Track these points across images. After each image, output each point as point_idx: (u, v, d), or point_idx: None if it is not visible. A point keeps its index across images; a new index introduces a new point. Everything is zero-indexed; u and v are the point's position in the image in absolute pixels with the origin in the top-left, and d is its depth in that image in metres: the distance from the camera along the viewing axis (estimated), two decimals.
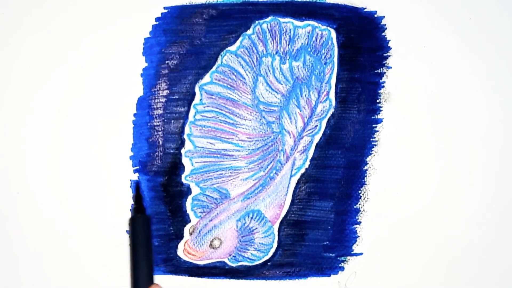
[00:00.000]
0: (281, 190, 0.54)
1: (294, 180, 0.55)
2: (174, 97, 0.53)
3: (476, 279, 0.56)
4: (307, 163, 0.54)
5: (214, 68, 0.53)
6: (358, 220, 0.55)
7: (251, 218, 0.54)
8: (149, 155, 0.54)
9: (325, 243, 0.55)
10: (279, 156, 0.54)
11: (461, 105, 0.54)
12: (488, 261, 0.56)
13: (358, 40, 0.53)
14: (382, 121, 0.54)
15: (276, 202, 0.54)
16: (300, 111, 0.54)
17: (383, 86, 0.54)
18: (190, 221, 0.54)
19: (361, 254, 0.55)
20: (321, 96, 0.54)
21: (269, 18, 0.53)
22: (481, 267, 0.56)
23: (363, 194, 0.55)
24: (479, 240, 0.56)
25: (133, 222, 0.50)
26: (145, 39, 0.52)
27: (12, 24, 0.53)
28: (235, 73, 0.53)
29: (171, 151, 0.54)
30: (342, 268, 0.55)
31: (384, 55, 0.53)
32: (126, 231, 0.54)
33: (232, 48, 0.53)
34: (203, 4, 0.52)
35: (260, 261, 0.55)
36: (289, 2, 0.53)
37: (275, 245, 0.55)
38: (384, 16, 0.53)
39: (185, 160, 0.54)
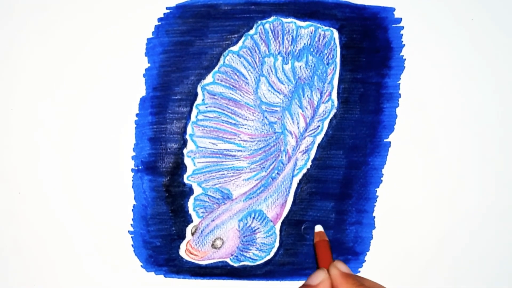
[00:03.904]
0: (283, 190, 0.54)
1: (296, 180, 0.55)
2: (177, 97, 0.53)
3: (477, 280, 0.56)
4: (309, 164, 0.54)
5: (216, 69, 0.53)
6: (359, 221, 0.55)
7: (253, 218, 0.54)
8: (151, 155, 0.54)
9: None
10: (281, 157, 0.54)
11: (464, 105, 0.54)
12: (492, 263, 0.56)
13: (360, 41, 0.53)
14: (384, 121, 0.54)
15: (278, 202, 0.55)
16: (302, 111, 0.54)
17: (386, 87, 0.54)
18: (192, 221, 0.54)
19: (362, 254, 0.55)
20: (324, 97, 0.54)
21: (272, 18, 0.53)
22: (484, 268, 0.56)
23: (364, 195, 0.55)
24: (481, 241, 0.56)
25: None
26: (147, 39, 0.52)
27: (15, 25, 0.52)
28: (237, 74, 0.53)
29: (173, 151, 0.54)
30: None
31: (387, 55, 0.53)
32: (128, 231, 0.54)
33: (235, 48, 0.53)
34: (205, 4, 0.52)
35: (262, 261, 0.55)
36: (292, 2, 0.53)
37: (276, 244, 0.55)
38: (386, 17, 0.53)
39: (187, 160, 0.54)
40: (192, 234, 0.54)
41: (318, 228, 0.50)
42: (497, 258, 0.56)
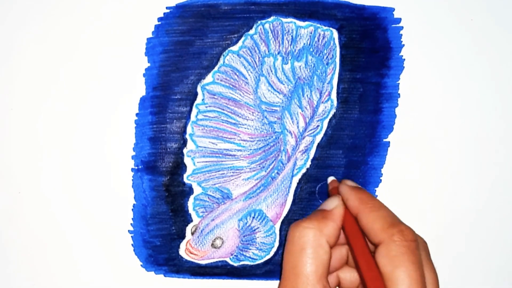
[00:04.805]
0: (283, 189, 0.55)
1: (296, 180, 0.55)
2: (176, 97, 0.53)
3: (477, 280, 0.57)
4: (309, 163, 0.55)
5: (216, 68, 0.53)
6: None
7: (253, 217, 0.55)
8: (151, 155, 0.54)
9: None
10: (281, 156, 0.54)
11: (463, 105, 0.55)
12: (491, 263, 0.56)
13: (360, 41, 0.53)
14: (383, 121, 0.54)
15: (278, 201, 0.55)
16: (302, 111, 0.54)
17: (385, 87, 0.54)
18: (192, 220, 0.55)
19: None
20: (323, 97, 0.54)
21: (272, 18, 0.53)
22: (483, 267, 0.56)
23: None
24: (480, 240, 0.56)
25: None
26: (147, 39, 0.52)
27: (14, 25, 0.52)
28: (237, 73, 0.53)
29: (173, 150, 0.54)
30: None
31: (386, 55, 0.54)
32: (128, 230, 0.54)
33: (234, 48, 0.53)
34: (205, 4, 0.52)
35: (262, 261, 0.55)
36: (292, 2, 0.53)
37: (276, 244, 0.55)
38: (386, 17, 0.53)
39: (187, 160, 0.54)
40: (192, 233, 0.54)
41: (331, 178, 0.51)
42: (496, 257, 0.56)
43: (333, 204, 0.43)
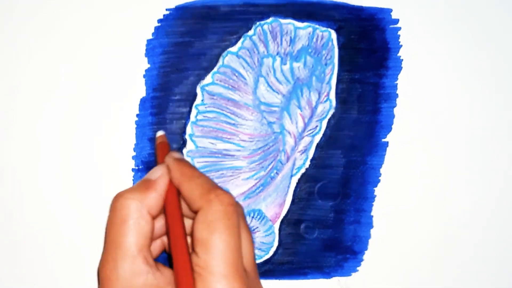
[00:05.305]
0: (282, 189, 0.55)
1: (295, 180, 0.55)
2: (176, 97, 0.53)
3: (477, 279, 0.57)
4: (308, 163, 0.55)
5: (215, 69, 0.53)
6: (357, 220, 0.55)
7: (252, 217, 0.55)
8: (151, 155, 0.54)
9: (325, 242, 0.56)
10: (280, 156, 0.55)
11: (461, 105, 0.55)
12: (491, 262, 0.57)
13: (358, 41, 0.54)
14: (382, 121, 0.54)
15: (277, 201, 0.55)
16: (301, 111, 0.54)
17: (383, 87, 0.54)
18: None
19: (360, 253, 0.56)
20: (322, 97, 0.54)
21: (270, 19, 0.53)
22: (483, 267, 0.57)
23: (362, 194, 0.55)
24: (479, 239, 0.56)
25: None
26: (147, 40, 0.53)
27: (15, 26, 0.53)
28: (236, 74, 0.53)
29: None
30: (342, 267, 0.56)
31: (384, 56, 0.54)
32: None
33: (234, 49, 0.53)
34: (204, 5, 0.53)
35: (261, 260, 0.56)
36: (290, 3, 0.53)
37: (275, 244, 0.56)
38: (384, 18, 0.53)
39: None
40: None
41: (160, 133, 0.51)
42: (496, 257, 0.56)
43: (157, 173, 0.42)
